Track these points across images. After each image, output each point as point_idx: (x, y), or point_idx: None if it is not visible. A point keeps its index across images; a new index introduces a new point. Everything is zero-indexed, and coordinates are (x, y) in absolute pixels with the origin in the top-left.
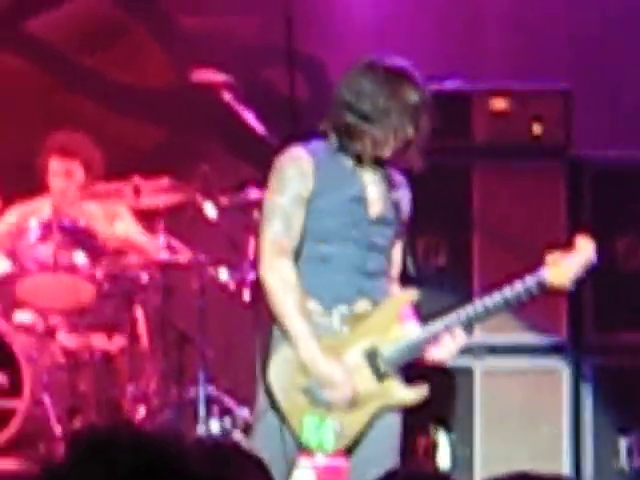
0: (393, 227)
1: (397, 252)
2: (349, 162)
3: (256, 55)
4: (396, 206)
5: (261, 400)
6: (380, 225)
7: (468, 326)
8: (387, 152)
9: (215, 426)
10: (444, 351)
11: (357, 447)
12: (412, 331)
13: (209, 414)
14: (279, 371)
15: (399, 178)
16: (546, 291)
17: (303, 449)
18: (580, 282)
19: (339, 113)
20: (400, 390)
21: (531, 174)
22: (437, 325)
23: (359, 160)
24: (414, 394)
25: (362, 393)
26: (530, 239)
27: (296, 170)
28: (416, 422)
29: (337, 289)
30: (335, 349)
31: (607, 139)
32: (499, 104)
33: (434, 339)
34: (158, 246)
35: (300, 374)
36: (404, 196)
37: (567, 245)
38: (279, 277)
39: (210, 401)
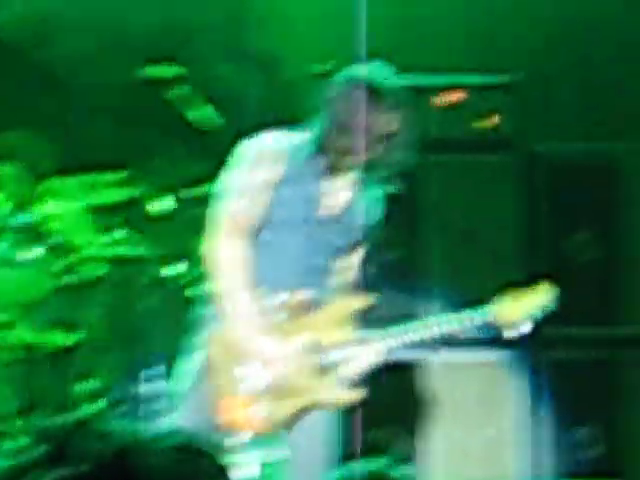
0: (352, 232)
1: (354, 259)
2: (322, 161)
3: (210, 50)
4: (361, 213)
5: (194, 373)
6: (338, 227)
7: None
8: (354, 162)
9: (167, 422)
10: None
11: (292, 439)
12: (354, 337)
13: (161, 410)
14: (216, 347)
15: (372, 187)
16: (497, 324)
17: (229, 426)
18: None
19: (319, 115)
20: (334, 389)
21: (485, 167)
22: (379, 340)
23: (331, 164)
24: (346, 396)
25: (296, 384)
26: (485, 232)
27: (268, 155)
28: (374, 415)
29: (280, 276)
30: (278, 336)
31: (560, 132)
32: (452, 98)
33: (372, 352)
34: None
35: (237, 352)
36: (373, 205)
37: (527, 284)
38: (228, 253)
39: (162, 397)
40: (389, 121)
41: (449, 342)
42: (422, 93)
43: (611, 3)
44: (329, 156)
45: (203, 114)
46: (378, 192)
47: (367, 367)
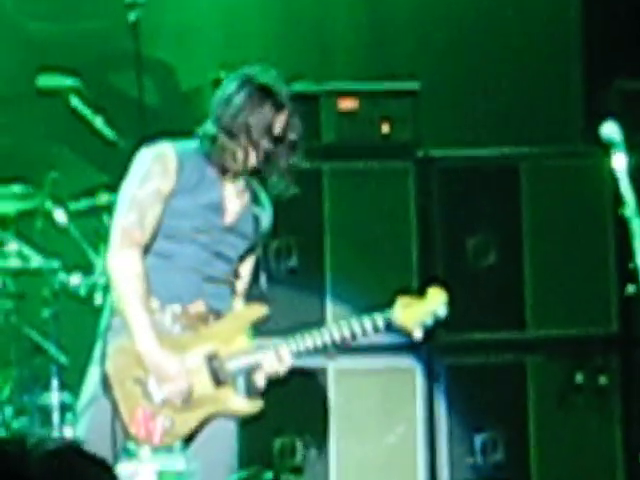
0: (246, 240)
1: (246, 267)
2: (215, 169)
3: (104, 60)
4: (255, 221)
5: (94, 386)
6: (232, 235)
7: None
8: (244, 167)
9: (70, 433)
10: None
11: (193, 452)
12: (254, 346)
13: (63, 421)
14: (116, 360)
15: (263, 195)
16: (392, 329)
17: (131, 439)
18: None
19: (209, 121)
20: (235, 399)
21: (380, 174)
22: (279, 348)
23: (223, 170)
24: (248, 406)
25: (197, 395)
26: (381, 238)
27: (160, 166)
28: (272, 424)
29: (174, 287)
30: (177, 348)
31: (455, 138)
32: (347, 104)
33: (273, 360)
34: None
35: (137, 365)
36: (265, 213)
37: (420, 289)
38: (126, 267)
39: (65, 408)
40: (281, 124)
41: (346, 349)
42: (320, 99)
43: (509, 9)
44: (221, 161)
45: (100, 124)
46: (269, 199)
47: (268, 376)
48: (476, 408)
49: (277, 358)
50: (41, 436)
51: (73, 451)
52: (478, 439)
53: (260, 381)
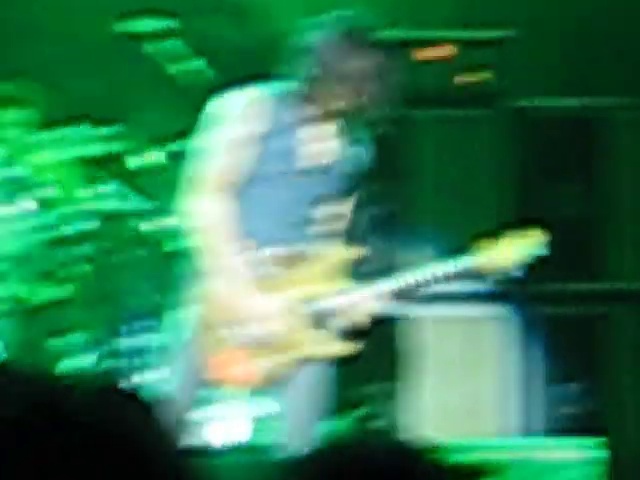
0: (344, 181)
1: (345, 209)
2: (307, 110)
3: (195, 3)
4: (351, 160)
5: (182, 330)
6: (329, 177)
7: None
8: (342, 109)
9: (155, 376)
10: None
11: (288, 394)
12: (346, 288)
13: (148, 364)
14: (206, 304)
15: (361, 133)
16: (488, 276)
17: (222, 383)
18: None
19: (303, 63)
20: (329, 342)
21: (467, 121)
22: (368, 290)
23: (322, 113)
24: (342, 348)
25: (290, 338)
26: (468, 186)
27: (251, 109)
28: (366, 370)
29: (266, 231)
30: (270, 290)
31: (543, 87)
32: (438, 53)
33: (364, 303)
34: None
35: (226, 309)
36: (362, 151)
37: (517, 230)
38: (213, 211)
39: (151, 351)
40: (376, 68)
41: (435, 297)
42: (408, 47)
43: None
44: (316, 104)
45: (190, 67)
46: (366, 140)
47: (359, 318)
48: (564, 358)
49: (372, 298)
50: (85, 373)
51: (116, 390)
52: (571, 388)
53: (361, 321)
